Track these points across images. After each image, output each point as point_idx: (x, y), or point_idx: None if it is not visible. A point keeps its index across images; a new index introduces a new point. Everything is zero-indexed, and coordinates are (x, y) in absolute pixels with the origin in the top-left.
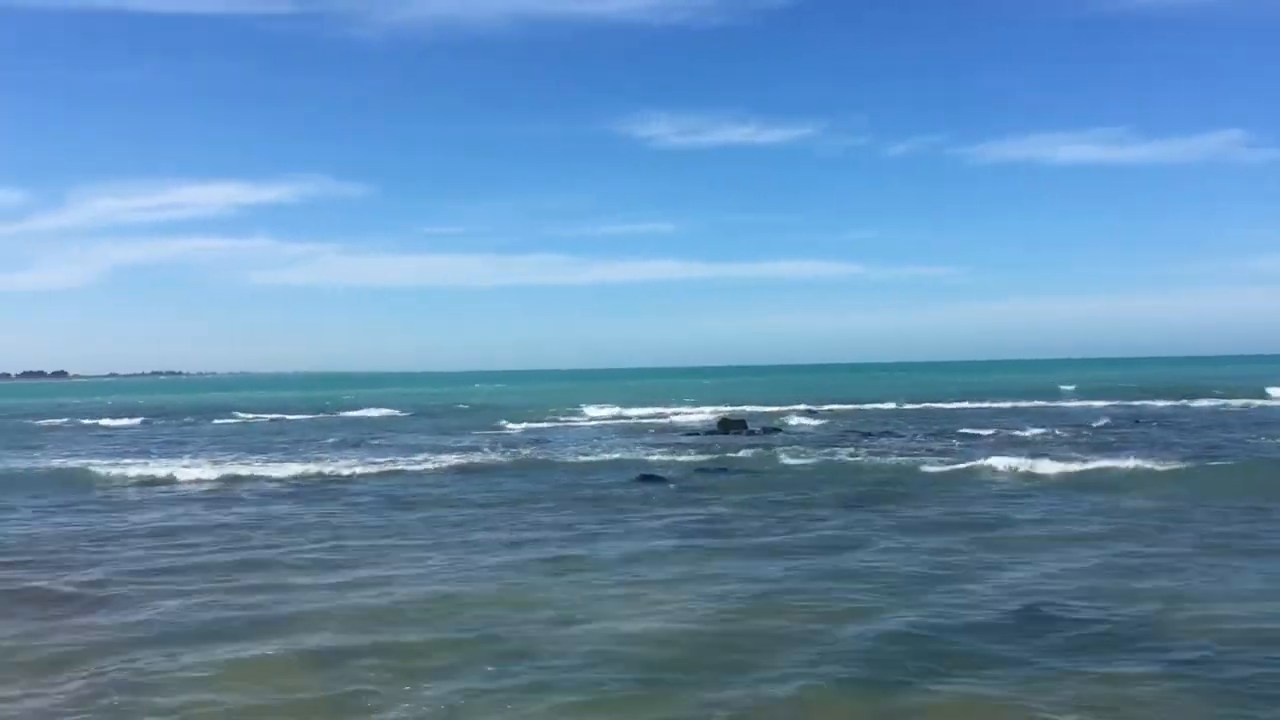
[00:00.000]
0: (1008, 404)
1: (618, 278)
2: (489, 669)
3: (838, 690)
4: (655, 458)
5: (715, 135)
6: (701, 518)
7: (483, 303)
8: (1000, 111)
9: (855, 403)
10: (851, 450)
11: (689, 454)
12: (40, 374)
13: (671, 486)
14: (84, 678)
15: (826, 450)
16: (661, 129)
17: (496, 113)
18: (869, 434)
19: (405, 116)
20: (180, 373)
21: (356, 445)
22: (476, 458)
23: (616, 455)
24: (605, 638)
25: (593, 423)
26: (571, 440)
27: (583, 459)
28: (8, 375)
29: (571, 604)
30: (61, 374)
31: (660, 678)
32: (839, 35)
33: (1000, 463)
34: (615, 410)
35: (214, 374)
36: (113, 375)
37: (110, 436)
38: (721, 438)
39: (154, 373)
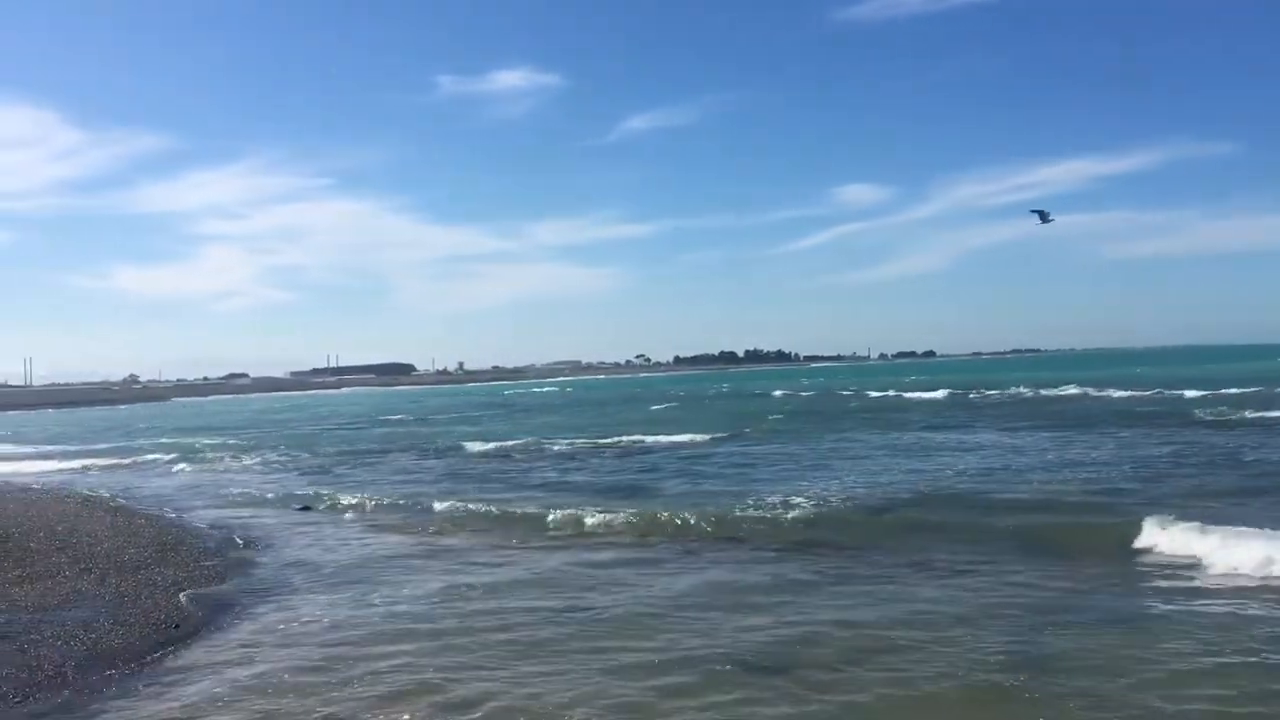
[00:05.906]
0: None
1: None
2: None
3: None
4: None
5: None
6: None
7: None
8: None
9: None
10: None
11: None
12: (911, 354)
13: None
14: None
15: None
16: None
17: None
18: None
19: None
20: (1039, 350)
21: None
22: None
23: None
24: None
25: None
26: None
27: None
28: (885, 355)
29: None
30: (930, 354)
31: None
32: None
33: None
34: None
35: (1071, 350)
36: (976, 354)
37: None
38: None
39: (1014, 350)
